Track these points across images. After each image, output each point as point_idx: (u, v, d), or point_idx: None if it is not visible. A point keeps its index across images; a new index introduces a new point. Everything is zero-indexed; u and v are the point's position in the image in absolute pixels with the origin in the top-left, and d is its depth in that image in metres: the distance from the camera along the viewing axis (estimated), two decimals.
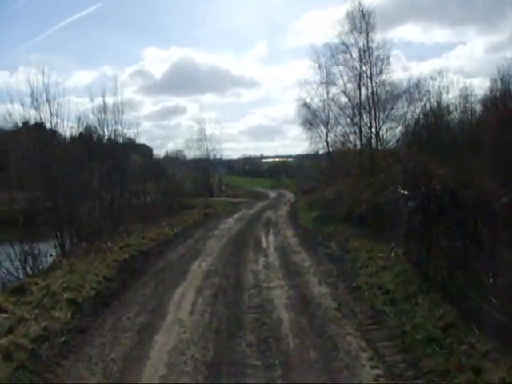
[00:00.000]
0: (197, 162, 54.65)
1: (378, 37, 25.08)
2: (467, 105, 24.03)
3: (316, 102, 30.72)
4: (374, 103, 24.44)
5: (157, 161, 44.17)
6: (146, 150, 61.78)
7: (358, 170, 16.23)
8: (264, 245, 14.74)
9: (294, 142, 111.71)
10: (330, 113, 29.84)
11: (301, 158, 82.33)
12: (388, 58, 24.92)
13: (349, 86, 26.17)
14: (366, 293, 8.61)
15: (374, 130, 24.73)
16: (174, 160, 54.53)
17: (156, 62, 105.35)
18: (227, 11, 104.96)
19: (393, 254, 10.65)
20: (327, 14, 72.31)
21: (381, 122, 24.61)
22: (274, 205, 35.80)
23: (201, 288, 9.55)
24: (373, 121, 25.00)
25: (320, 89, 29.78)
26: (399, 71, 67.32)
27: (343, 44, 25.47)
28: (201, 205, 37.21)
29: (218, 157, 57.21)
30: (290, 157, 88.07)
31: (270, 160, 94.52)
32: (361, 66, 25.19)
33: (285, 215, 25.73)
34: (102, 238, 18.49)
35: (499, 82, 22.72)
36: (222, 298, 8.76)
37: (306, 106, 30.52)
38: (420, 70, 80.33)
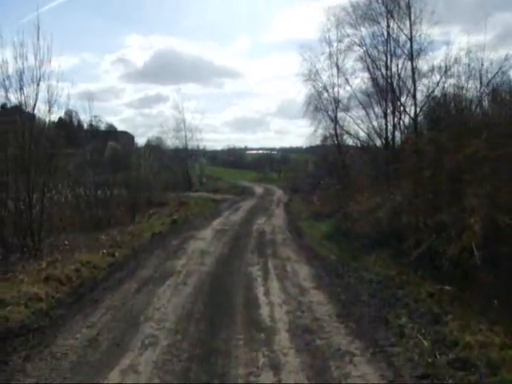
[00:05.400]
0: (177, 151, 48.26)
1: None
2: None
3: (324, 79, 23.61)
4: (413, 75, 17.41)
5: (114, 147, 36.69)
6: (127, 138, 55.65)
7: (432, 170, 9.25)
8: (264, 312, 7.44)
9: (277, 135, 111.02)
10: (342, 91, 22.79)
11: (284, 151, 79.35)
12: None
13: (373, 52, 19.26)
14: None
15: (411, 112, 17.82)
16: (155, 148, 48.33)
17: (138, 50, 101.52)
18: (210, 3, 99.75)
19: None
20: (306, 8, 66.86)
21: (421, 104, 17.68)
22: (265, 206, 28.60)
23: None
24: (407, 100, 18.12)
25: (329, 60, 22.76)
26: None
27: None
28: (174, 202, 30.30)
29: (201, 147, 51.03)
30: (273, 149, 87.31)
31: (254, 152, 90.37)
32: (390, 23, 18.24)
33: (283, 227, 18.52)
34: None
35: None
36: None
37: (311, 79, 23.28)
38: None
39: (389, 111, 18.75)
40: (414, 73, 17.65)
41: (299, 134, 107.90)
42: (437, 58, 18.33)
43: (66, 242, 14.32)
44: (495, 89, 18.28)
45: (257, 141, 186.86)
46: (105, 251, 12.25)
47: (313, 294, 8.51)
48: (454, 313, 6.91)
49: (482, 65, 17.24)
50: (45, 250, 13.98)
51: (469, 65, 17.24)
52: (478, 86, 17.69)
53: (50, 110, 15.12)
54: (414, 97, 17.49)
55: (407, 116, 18.18)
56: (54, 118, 19.30)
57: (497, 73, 16.68)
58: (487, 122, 9.79)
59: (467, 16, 33.53)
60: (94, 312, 7.53)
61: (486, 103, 18.61)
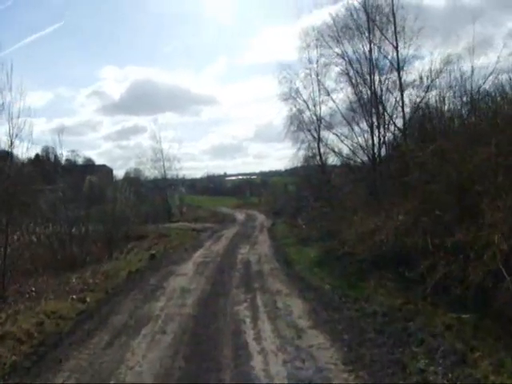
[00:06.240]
0: (155, 182, 47.52)
1: None
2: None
3: (305, 97, 23.03)
4: (400, 84, 16.75)
5: (92, 182, 35.60)
6: (105, 171, 54.59)
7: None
8: (257, 364, 6.19)
9: (256, 160, 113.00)
10: (324, 107, 22.19)
11: (264, 175, 79.45)
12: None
13: (356, 64, 18.64)
14: None
15: (398, 124, 17.12)
16: (133, 180, 47.47)
17: (113, 82, 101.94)
18: (184, 30, 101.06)
19: None
20: (280, 31, 67.98)
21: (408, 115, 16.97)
22: (247, 233, 27.42)
23: None
24: (394, 112, 17.42)
25: (309, 77, 22.20)
26: None
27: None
28: (153, 235, 29.07)
29: (180, 176, 50.27)
30: (253, 174, 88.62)
31: (234, 178, 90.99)
32: (373, 33, 17.61)
33: (269, 255, 17.41)
34: None
35: None
36: None
37: (291, 98, 22.61)
38: None
39: (374, 125, 18.06)
40: (401, 82, 17.00)
41: (278, 157, 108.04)
42: (419, 69, 17.77)
43: (33, 289, 13.02)
44: (476, 99, 17.70)
45: (236, 166, 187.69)
46: (74, 297, 10.99)
47: (311, 335, 7.39)
48: (480, 348, 5.89)
49: (462, 75, 16.69)
50: (9, 298, 12.78)
51: (450, 74, 16.63)
52: (459, 97, 17.12)
53: (11, 145, 14.07)
54: (402, 107, 16.80)
55: (394, 129, 17.48)
56: (27, 154, 18.40)
57: (484, 81, 15.96)
58: (496, 128, 8.79)
59: (443, 28, 33.55)
60: (56, 377, 6.33)
61: (466, 114, 18.04)
